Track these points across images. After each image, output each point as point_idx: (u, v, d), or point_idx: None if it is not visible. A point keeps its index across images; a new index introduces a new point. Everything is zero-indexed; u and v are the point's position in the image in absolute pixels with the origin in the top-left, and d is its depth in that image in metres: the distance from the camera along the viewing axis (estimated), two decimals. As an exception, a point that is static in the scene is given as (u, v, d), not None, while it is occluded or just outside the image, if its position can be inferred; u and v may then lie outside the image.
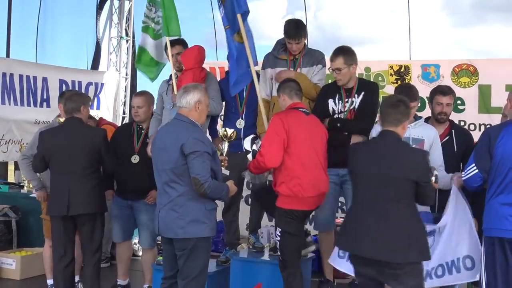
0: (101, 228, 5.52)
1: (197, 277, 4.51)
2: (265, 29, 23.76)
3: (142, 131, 5.90)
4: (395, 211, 3.95)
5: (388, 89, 7.78)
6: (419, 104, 5.57)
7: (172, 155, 4.40)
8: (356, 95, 5.39)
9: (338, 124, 5.34)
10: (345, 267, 4.65)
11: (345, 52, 5.36)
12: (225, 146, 4.93)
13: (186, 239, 4.45)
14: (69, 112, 5.50)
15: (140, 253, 6.97)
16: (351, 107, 5.37)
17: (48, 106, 8.87)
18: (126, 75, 10.55)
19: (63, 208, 5.27)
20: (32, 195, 7.46)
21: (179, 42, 5.90)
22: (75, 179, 5.32)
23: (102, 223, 5.53)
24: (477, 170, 4.34)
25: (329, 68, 5.57)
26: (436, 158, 4.84)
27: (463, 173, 4.50)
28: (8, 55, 9.53)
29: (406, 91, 4.96)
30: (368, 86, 5.53)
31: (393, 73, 7.76)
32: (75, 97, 5.61)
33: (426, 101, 6.48)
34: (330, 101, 5.43)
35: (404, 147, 4.13)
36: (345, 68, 5.32)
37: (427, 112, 5.89)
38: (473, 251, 4.54)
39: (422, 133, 4.91)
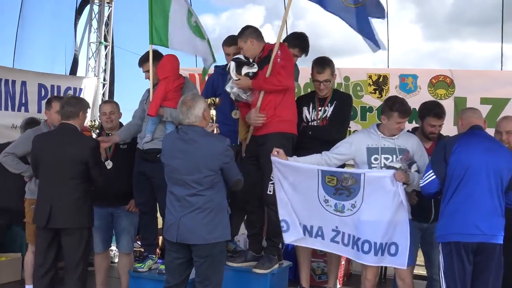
0: (85, 243, 5.21)
1: (220, 282, 4.54)
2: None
3: None
4: None
5: (367, 99, 7.83)
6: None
7: (205, 166, 4.42)
8: (329, 105, 5.54)
9: (310, 132, 5.47)
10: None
11: (329, 63, 5.54)
12: (214, 114, 5.03)
13: (215, 244, 4.45)
14: (65, 117, 5.24)
15: (116, 260, 6.94)
16: (324, 116, 5.51)
17: (26, 110, 8.73)
18: (104, 81, 10.47)
19: (44, 219, 5.08)
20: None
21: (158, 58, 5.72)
22: (59, 190, 5.10)
23: (87, 237, 5.26)
24: (434, 176, 4.47)
25: (314, 81, 5.58)
26: (421, 165, 4.86)
27: (421, 180, 4.61)
28: (-13, 60, 9.42)
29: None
30: (341, 97, 5.70)
31: (371, 83, 7.83)
32: (74, 101, 5.39)
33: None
34: (305, 109, 5.60)
35: None
36: (331, 78, 5.53)
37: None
38: (400, 240, 4.69)
39: (405, 143, 4.94)
